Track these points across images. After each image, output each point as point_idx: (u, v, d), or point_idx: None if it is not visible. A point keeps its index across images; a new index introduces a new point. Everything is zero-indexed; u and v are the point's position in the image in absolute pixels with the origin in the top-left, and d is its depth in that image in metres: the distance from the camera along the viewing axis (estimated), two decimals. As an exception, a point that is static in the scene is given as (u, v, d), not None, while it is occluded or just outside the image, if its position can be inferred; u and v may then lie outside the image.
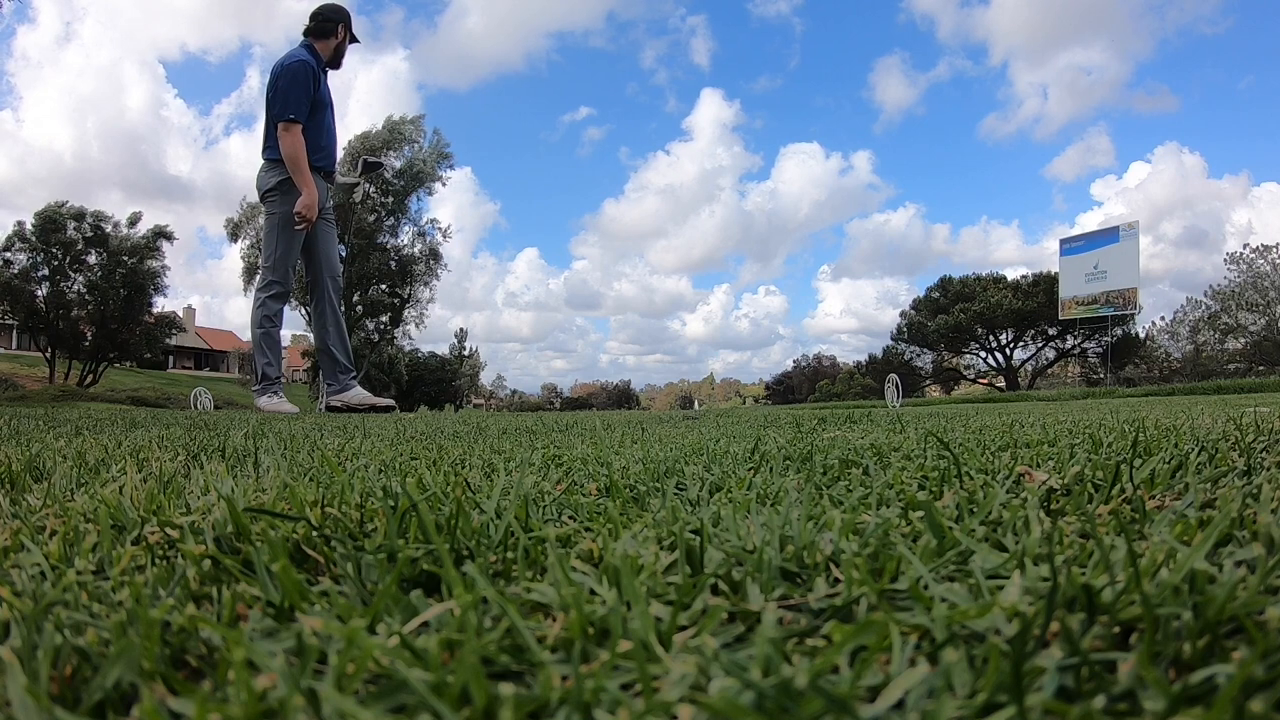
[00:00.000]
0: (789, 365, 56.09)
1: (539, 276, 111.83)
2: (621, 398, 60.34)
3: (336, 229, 5.26)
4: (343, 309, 5.21)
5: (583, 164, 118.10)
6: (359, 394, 5.01)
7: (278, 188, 4.79)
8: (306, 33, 4.89)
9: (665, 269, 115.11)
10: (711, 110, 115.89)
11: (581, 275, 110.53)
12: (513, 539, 0.52)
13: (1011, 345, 37.00)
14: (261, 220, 6.74)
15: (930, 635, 0.34)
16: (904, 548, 0.46)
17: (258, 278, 5.14)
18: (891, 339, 39.71)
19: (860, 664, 0.30)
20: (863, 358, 44.33)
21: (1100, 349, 33.08)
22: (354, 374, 5.10)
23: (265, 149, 4.87)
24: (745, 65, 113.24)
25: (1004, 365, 37.27)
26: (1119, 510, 0.60)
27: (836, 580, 0.44)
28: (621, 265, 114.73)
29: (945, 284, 37.96)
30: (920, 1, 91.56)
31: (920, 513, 0.55)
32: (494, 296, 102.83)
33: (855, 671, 0.30)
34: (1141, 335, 35.11)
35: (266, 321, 4.91)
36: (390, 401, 5.09)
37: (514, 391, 61.91)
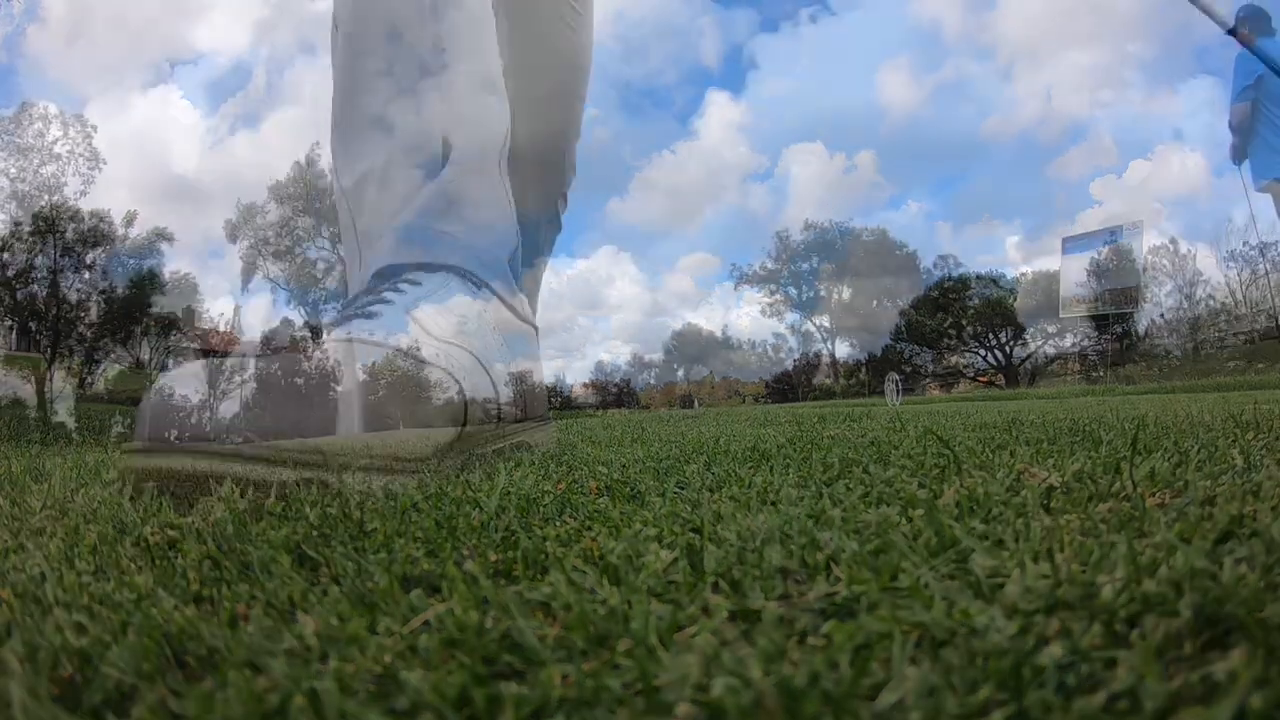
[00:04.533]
0: (789, 364, 56.12)
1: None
2: (621, 397, 60.38)
3: None
4: None
5: (588, 164, 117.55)
6: None
7: None
8: None
9: (668, 268, 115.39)
10: (718, 110, 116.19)
11: (584, 275, 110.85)
12: (513, 538, 0.52)
13: (1011, 344, 37.00)
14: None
15: (930, 634, 0.34)
16: (904, 546, 0.46)
17: None
18: (891, 338, 39.70)
19: (860, 663, 0.30)
20: (863, 356, 44.32)
21: (1100, 347, 33.07)
22: None
23: None
24: (753, 66, 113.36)
25: (1004, 363, 37.26)
26: (1119, 508, 0.60)
27: (836, 579, 0.44)
28: (625, 264, 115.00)
29: (945, 283, 37.95)
30: (928, 4, 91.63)
31: (920, 510, 0.55)
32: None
33: (855, 670, 0.30)
34: (1141, 333, 35.11)
35: None
36: None
37: (514, 391, 61.82)
